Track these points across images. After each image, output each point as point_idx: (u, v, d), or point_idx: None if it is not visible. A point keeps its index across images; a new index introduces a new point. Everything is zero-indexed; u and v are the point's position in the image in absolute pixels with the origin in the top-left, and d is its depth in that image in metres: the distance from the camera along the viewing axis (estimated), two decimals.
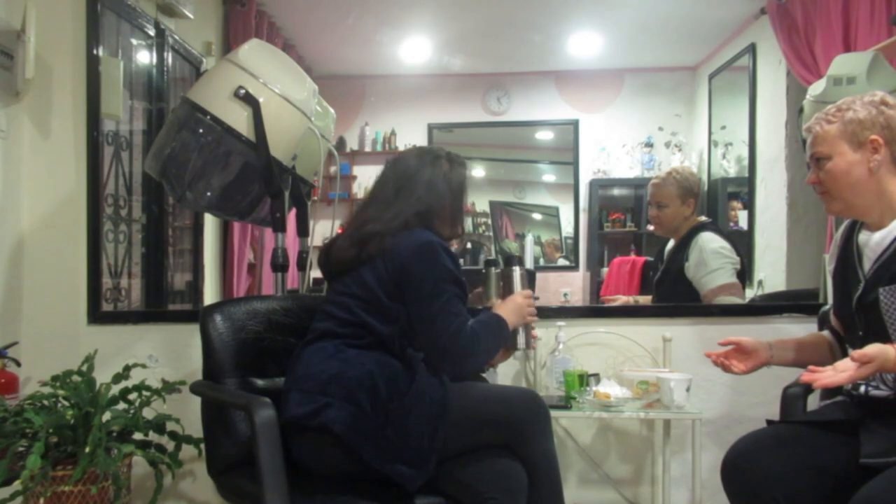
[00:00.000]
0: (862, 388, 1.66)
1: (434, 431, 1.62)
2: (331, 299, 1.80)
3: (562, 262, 5.95)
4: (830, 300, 1.81)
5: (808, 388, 1.92)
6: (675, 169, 2.92)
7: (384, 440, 1.59)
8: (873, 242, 1.60)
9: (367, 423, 1.60)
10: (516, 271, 1.98)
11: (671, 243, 2.93)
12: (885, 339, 1.54)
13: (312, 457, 1.67)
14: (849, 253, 1.67)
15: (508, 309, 1.88)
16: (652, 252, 3.60)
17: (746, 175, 4.66)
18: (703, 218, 2.91)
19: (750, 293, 3.95)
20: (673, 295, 2.80)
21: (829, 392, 1.79)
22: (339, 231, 1.90)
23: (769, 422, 1.75)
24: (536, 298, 1.97)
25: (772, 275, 4.23)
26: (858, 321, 1.63)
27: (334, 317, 1.75)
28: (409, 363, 1.70)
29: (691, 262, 2.77)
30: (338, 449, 1.60)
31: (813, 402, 1.91)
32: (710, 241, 2.76)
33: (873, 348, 1.46)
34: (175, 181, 2.14)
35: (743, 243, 4.20)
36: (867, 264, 1.62)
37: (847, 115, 1.60)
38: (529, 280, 2.05)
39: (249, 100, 2.06)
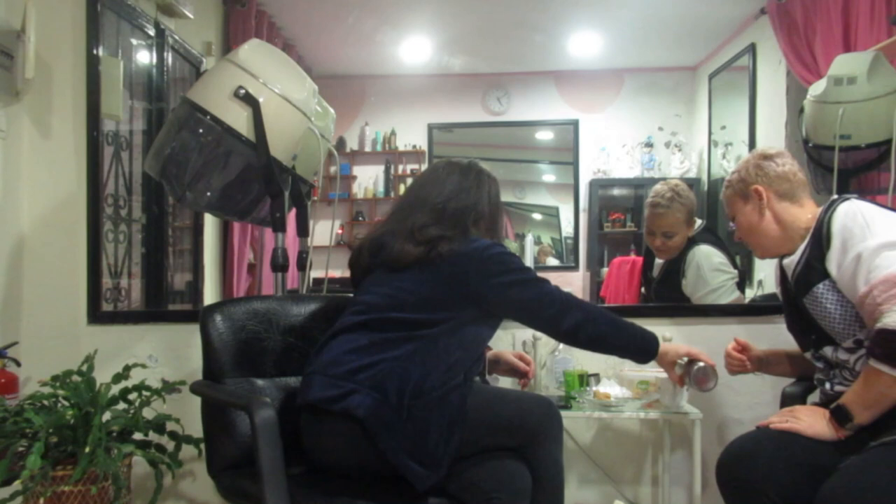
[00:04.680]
0: (827, 385, 1.78)
1: (451, 435, 1.63)
2: (374, 291, 1.79)
3: (551, 261, 5.95)
4: None
5: (806, 389, 1.97)
6: (676, 191, 2.74)
7: (403, 435, 1.59)
8: (790, 264, 1.83)
9: (390, 414, 1.60)
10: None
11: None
12: (828, 336, 1.75)
13: (326, 443, 1.67)
14: (783, 277, 1.89)
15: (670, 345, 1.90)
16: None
17: None
18: (697, 222, 2.80)
19: (750, 293, 3.95)
20: None
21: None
22: (340, 231, 1.89)
23: (759, 428, 1.77)
24: None
25: (772, 275, 4.23)
26: (804, 329, 1.83)
27: (374, 308, 1.75)
28: (445, 365, 1.70)
29: (689, 278, 2.71)
30: (355, 436, 1.60)
31: (812, 402, 1.92)
32: (707, 257, 2.69)
33: (805, 410, 1.74)
34: (175, 181, 2.14)
35: (742, 243, 4.20)
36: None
37: (734, 177, 1.91)
38: None
39: (249, 100, 2.06)
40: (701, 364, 1.84)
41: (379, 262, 1.82)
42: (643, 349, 1.82)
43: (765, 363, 2.00)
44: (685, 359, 1.86)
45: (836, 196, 1.79)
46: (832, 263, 1.69)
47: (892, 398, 1.57)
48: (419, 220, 1.81)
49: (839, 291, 1.69)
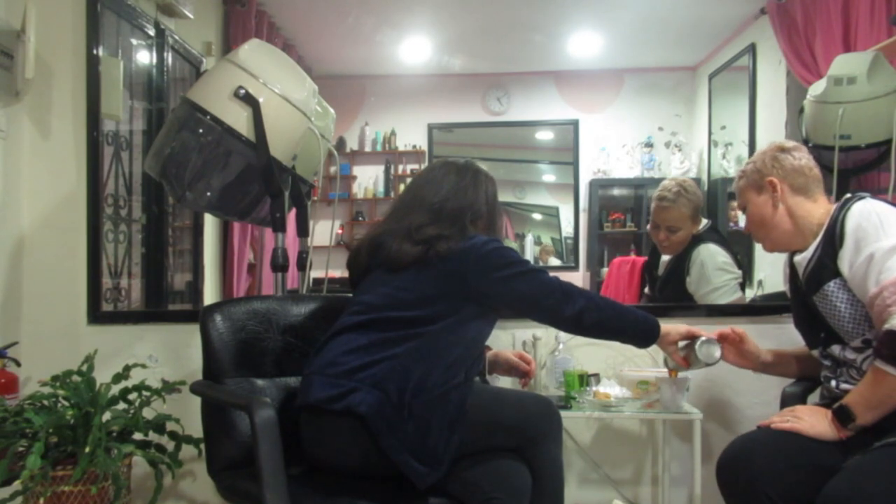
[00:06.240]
0: (833, 383, 1.78)
1: (451, 434, 1.63)
2: (372, 291, 1.79)
3: (553, 261, 5.95)
4: None
5: (807, 389, 1.97)
6: (682, 186, 2.76)
7: (404, 433, 1.59)
8: (802, 261, 1.81)
9: (392, 412, 1.60)
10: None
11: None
12: (836, 334, 1.74)
13: (326, 441, 1.66)
14: (793, 274, 1.88)
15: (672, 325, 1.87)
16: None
17: None
18: (703, 221, 2.81)
19: (750, 293, 3.95)
20: None
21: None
22: (340, 231, 1.90)
23: (760, 428, 1.77)
24: None
25: (772, 275, 4.23)
26: (813, 326, 1.82)
27: (373, 308, 1.75)
28: (445, 363, 1.70)
29: (693, 276, 2.71)
30: (356, 434, 1.60)
31: (812, 402, 1.92)
32: (711, 256, 2.69)
33: (806, 409, 1.74)
34: (175, 181, 2.14)
35: (743, 243, 4.20)
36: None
37: (749, 167, 1.88)
38: None
39: (249, 100, 2.06)
40: (703, 338, 1.83)
41: (377, 262, 1.83)
42: (646, 332, 1.82)
43: (768, 365, 1.98)
44: (684, 342, 1.86)
45: (849, 194, 1.78)
46: (844, 262, 1.68)
47: None
48: (417, 220, 1.81)
49: (850, 290, 1.69)
